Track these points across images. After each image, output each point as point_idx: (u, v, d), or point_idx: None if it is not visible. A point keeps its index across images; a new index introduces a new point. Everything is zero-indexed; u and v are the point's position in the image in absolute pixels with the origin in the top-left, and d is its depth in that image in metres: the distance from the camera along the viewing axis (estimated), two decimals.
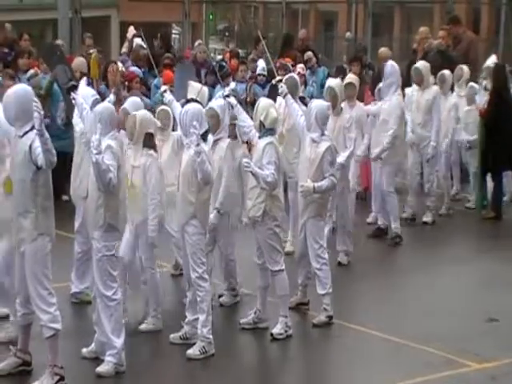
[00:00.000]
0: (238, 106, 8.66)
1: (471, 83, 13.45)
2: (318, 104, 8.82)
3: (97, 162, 7.13)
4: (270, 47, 15.92)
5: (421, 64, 12.34)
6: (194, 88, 9.60)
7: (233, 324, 8.64)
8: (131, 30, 15.06)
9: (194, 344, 7.81)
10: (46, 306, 7.02)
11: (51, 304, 7.05)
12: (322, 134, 8.68)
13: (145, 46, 13.51)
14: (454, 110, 12.88)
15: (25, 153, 6.92)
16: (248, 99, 13.10)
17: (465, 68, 13.52)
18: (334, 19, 27.55)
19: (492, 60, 14.21)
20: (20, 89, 7.21)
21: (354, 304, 9.49)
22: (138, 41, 14.54)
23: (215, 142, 8.66)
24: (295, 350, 8.30)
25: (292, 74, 10.64)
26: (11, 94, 7.09)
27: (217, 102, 8.75)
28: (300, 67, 12.78)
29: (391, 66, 11.49)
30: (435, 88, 12.24)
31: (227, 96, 8.65)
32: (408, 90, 12.18)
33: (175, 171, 8.15)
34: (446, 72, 12.92)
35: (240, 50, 16.76)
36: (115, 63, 12.46)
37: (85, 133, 8.43)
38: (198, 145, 7.59)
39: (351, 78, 11.02)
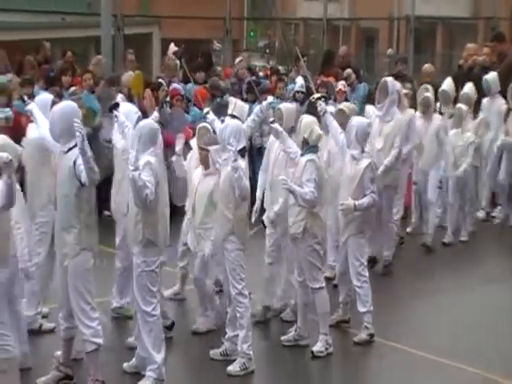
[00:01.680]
0: (284, 132, 8.69)
1: None
2: (358, 121, 8.82)
3: (133, 179, 7.19)
4: (311, 64, 15.95)
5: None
6: (232, 103, 9.64)
7: (273, 341, 8.63)
8: (172, 47, 15.18)
9: (235, 360, 7.83)
10: (88, 321, 7.09)
11: (93, 318, 7.11)
12: (362, 151, 8.67)
13: (175, 58, 13.66)
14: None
15: (69, 168, 7.01)
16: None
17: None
18: (376, 36, 27.53)
19: None
20: (66, 106, 7.32)
21: (392, 322, 9.43)
22: (169, 52, 14.66)
23: None
24: (335, 368, 8.28)
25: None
26: (57, 110, 7.21)
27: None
28: (341, 84, 12.80)
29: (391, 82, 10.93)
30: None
31: (272, 122, 8.76)
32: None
33: None
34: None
35: (280, 67, 16.81)
36: (161, 83, 12.53)
37: (126, 150, 8.50)
38: (235, 160, 7.62)
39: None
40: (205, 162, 8.49)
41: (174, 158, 8.95)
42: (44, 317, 8.61)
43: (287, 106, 9.27)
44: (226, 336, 8.05)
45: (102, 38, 15.64)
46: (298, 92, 13.11)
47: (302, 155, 8.31)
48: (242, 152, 7.85)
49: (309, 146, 8.23)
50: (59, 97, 11.25)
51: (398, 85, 11.09)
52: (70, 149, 7.05)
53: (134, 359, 7.67)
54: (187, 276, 9.44)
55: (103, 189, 9.80)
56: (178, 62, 14.00)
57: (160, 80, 12.86)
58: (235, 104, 9.11)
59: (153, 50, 19.83)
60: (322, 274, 8.31)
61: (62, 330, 7.35)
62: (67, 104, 7.43)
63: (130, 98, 11.86)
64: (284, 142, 8.65)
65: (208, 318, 8.73)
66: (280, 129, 8.68)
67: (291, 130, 8.72)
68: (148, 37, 21.18)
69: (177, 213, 9.18)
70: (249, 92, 13.61)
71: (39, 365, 7.70)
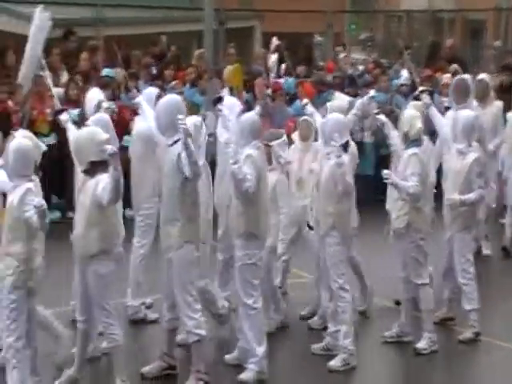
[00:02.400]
0: (388, 122, 8.60)
1: None
2: (464, 114, 8.64)
3: (234, 172, 7.21)
4: (414, 56, 15.68)
5: None
6: (335, 97, 9.57)
7: (376, 337, 8.54)
8: (274, 41, 15.19)
9: (336, 355, 7.77)
10: (191, 312, 7.14)
11: (196, 310, 7.17)
12: (469, 145, 8.49)
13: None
14: None
15: (173, 162, 7.07)
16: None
17: None
18: (482, 27, 26.89)
19: None
20: (170, 99, 7.39)
21: (499, 320, 9.20)
22: (272, 46, 14.64)
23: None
24: (439, 366, 8.11)
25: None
26: (162, 104, 7.29)
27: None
28: (447, 77, 12.57)
29: None
30: None
31: (377, 114, 8.64)
32: None
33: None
34: None
35: (383, 60, 16.63)
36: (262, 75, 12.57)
37: (229, 143, 8.53)
38: (339, 156, 7.55)
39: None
40: (267, 158, 8.21)
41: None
42: (148, 307, 8.74)
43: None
44: (328, 331, 8.00)
45: (204, 33, 15.74)
46: (402, 85, 12.92)
47: (404, 149, 8.19)
48: (345, 146, 7.78)
49: (411, 140, 8.10)
50: (163, 90, 11.40)
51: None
52: (175, 142, 7.11)
53: (236, 351, 7.70)
54: (288, 270, 9.42)
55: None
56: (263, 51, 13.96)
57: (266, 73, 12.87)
58: (337, 97, 9.04)
59: (254, 44, 19.85)
60: (426, 269, 8.16)
61: (166, 320, 7.43)
62: (172, 98, 7.50)
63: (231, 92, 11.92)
64: (388, 134, 8.56)
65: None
66: (385, 119, 8.59)
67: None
68: (249, 31, 21.23)
69: None
70: (350, 86, 13.50)
71: (143, 355, 7.82)
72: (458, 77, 10.72)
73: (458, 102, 9.76)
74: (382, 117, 8.67)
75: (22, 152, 6.72)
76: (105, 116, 8.18)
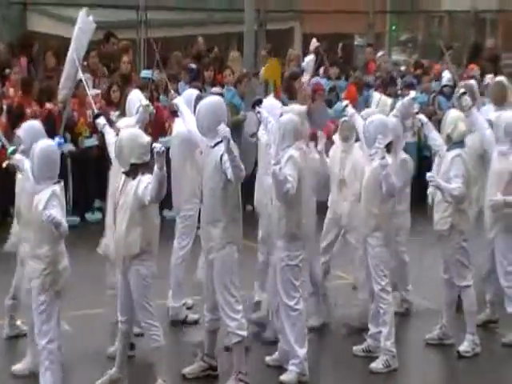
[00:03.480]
0: (429, 122, 8.54)
1: None
2: (506, 116, 8.54)
3: (274, 173, 7.20)
4: (456, 57, 15.55)
5: None
6: (376, 98, 9.52)
7: (417, 339, 8.49)
8: (314, 43, 15.14)
9: (377, 357, 7.74)
10: (233, 313, 7.15)
11: (238, 311, 7.18)
12: None
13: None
14: None
15: (216, 163, 7.09)
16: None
17: None
18: None
19: None
20: (212, 101, 7.40)
21: None
22: (311, 48, 14.59)
23: None
24: (482, 369, 8.03)
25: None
26: (204, 105, 7.29)
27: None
28: (489, 77, 12.43)
29: None
30: None
31: (417, 113, 8.57)
32: None
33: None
34: None
35: (424, 61, 16.51)
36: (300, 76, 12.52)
37: (269, 144, 8.52)
38: (383, 158, 7.52)
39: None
40: None
41: (316, 156, 8.92)
42: (189, 308, 8.77)
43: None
44: (369, 332, 7.97)
45: (244, 34, 15.76)
46: (445, 86, 12.78)
47: (447, 150, 8.13)
48: (388, 147, 7.74)
49: (454, 142, 8.03)
50: (201, 91, 11.43)
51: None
52: (217, 143, 7.12)
53: (276, 353, 7.69)
54: (329, 271, 9.39)
55: (247, 183, 9.87)
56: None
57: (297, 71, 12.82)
58: (380, 99, 8.99)
59: (294, 45, 19.82)
60: (469, 271, 8.10)
61: (207, 321, 7.46)
62: (214, 99, 7.50)
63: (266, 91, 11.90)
64: (429, 134, 8.50)
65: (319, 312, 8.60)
66: (425, 119, 8.53)
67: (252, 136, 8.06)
68: (289, 32, 21.25)
69: None
70: (391, 86, 13.42)
71: (184, 355, 7.85)
72: (496, 79, 10.58)
73: (497, 103, 9.64)
74: (423, 117, 8.61)
75: (47, 154, 6.75)
76: (36, 123, 7.82)
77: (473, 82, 10.18)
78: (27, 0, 15.89)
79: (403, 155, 8.66)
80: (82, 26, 11.24)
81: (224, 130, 6.89)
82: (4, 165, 7.60)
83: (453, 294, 8.17)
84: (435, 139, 8.45)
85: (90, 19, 11.29)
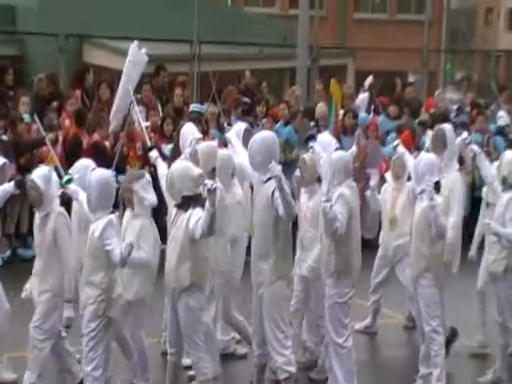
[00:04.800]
0: (482, 154, 8.42)
1: None
2: None
3: (324, 210, 7.15)
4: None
5: None
6: (429, 136, 9.39)
7: (469, 381, 8.33)
8: (369, 79, 15.12)
9: None
10: (281, 349, 7.10)
11: (287, 347, 7.12)
12: None
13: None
14: None
15: (267, 198, 7.07)
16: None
17: None
18: None
19: None
20: (266, 135, 7.39)
21: None
22: (366, 84, 14.53)
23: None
24: None
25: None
26: (258, 140, 7.29)
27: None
28: None
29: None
30: None
31: (469, 143, 8.41)
32: None
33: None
34: None
35: (479, 100, 16.38)
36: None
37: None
38: (431, 199, 7.41)
39: None
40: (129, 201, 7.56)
41: (368, 193, 8.87)
42: (238, 342, 8.70)
43: (204, 145, 7.94)
44: (420, 374, 7.83)
45: (297, 69, 15.83)
46: (502, 127, 12.56)
47: (502, 191, 7.98)
48: (436, 187, 7.63)
49: (510, 184, 7.87)
50: (252, 126, 11.45)
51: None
52: (269, 179, 7.09)
53: None
54: (379, 310, 9.28)
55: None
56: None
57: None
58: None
59: (347, 82, 19.82)
60: None
61: (255, 356, 7.41)
62: (267, 134, 7.49)
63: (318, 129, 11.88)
64: (481, 165, 8.32)
65: None
66: (478, 150, 8.34)
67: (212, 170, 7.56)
68: (343, 68, 21.25)
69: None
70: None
71: None
72: None
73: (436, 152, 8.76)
74: (475, 147, 8.44)
75: (104, 183, 6.80)
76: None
77: None
78: (83, 32, 16.15)
79: None
80: (133, 59, 11.40)
81: (275, 168, 6.87)
82: (59, 193, 7.66)
83: (507, 336, 8.01)
84: (487, 170, 8.29)
85: (142, 52, 11.43)
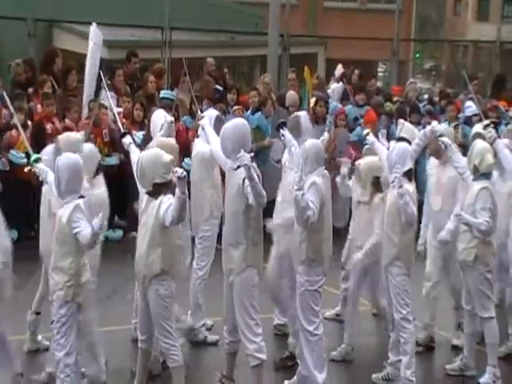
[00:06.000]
0: (452, 145, 8.45)
1: None
2: None
3: (296, 199, 7.16)
4: (480, 88, 15.49)
5: None
6: (400, 125, 9.41)
7: (437, 369, 8.41)
8: (339, 68, 15.13)
9: None
10: (252, 336, 7.11)
11: (257, 334, 7.13)
12: None
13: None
14: None
15: (238, 186, 7.06)
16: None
17: None
18: None
19: None
20: (237, 123, 7.37)
21: None
22: (336, 73, 14.49)
23: None
24: None
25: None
26: (229, 127, 7.27)
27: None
28: None
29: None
30: None
31: (440, 136, 8.42)
32: None
33: None
34: None
35: (448, 90, 16.48)
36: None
37: (291, 168, 8.46)
38: (400, 186, 7.44)
39: None
40: None
41: (338, 179, 8.89)
42: (208, 329, 8.71)
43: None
44: (389, 360, 7.90)
45: (268, 57, 15.81)
46: (475, 115, 12.62)
47: (473, 180, 8.02)
48: (408, 175, 7.66)
49: (481, 173, 7.93)
50: (224, 114, 11.41)
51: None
52: (239, 167, 7.08)
53: (295, 377, 7.63)
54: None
55: (267, 207, 9.82)
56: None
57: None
58: (403, 125, 8.91)
59: (317, 70, 19.84)
60: (492, 303, 8.01)
61: (226, 343, 7.42)
62: (239, 122, 7.47)
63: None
64: (452, 156, 8.36)
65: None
66: (449, 142, 8.38)
67: None
68: (313, 57, 21.26)
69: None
70: (413, 113, 13.37)
71: (203, 377, 7.80)
72: None
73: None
74: (446, 139, 8.46)
75: (73, 168, 6.75)
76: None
77: None
78: (53, 17, 16.00)
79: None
80: (97, 41, 11.34)
81: (244, 157, 6.86)
82: (26, 170, 7.62)
83: (474, 325, 8.08)
84: (458, 161, 8.32)
85: (101, 34, 11.36)
